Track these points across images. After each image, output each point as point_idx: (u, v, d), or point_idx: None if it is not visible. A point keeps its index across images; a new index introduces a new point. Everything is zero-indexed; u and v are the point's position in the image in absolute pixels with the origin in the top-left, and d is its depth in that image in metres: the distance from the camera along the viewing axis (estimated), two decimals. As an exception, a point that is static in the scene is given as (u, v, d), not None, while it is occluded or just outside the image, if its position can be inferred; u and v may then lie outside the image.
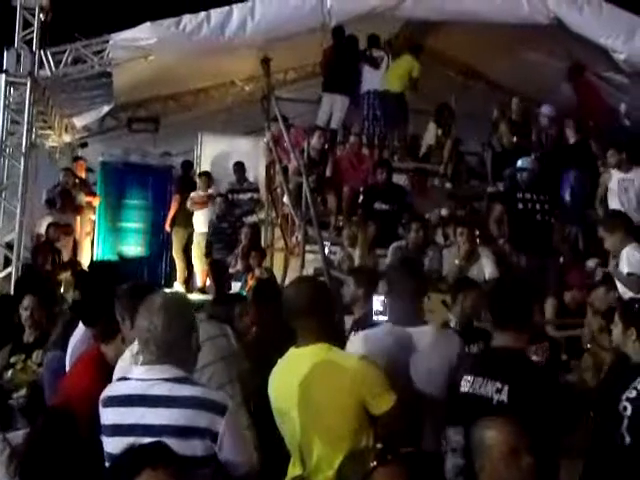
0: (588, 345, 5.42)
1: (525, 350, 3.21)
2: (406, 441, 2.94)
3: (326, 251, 8.01)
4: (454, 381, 3.20)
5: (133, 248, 11.71)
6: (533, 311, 3.26)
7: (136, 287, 3.65)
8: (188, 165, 11.72)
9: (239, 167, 11.08)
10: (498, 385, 2.92)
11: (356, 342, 3.34)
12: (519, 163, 7.98)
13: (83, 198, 11.09)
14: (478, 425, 2.52)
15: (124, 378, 2.82)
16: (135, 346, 3.31)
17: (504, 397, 2.88)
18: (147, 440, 2.49)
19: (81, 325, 4.30)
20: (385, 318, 4.65)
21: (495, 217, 8.07)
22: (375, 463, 2.37)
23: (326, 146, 9.90)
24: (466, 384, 3.07)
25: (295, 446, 3.05)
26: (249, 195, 10.99)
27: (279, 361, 3.20)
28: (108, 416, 2.74)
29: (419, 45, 11.28)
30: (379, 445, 2.51)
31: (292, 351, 3.15)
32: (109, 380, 3.27)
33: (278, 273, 8.92)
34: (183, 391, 2.62)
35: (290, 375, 3.06)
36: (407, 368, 3.25)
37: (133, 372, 2.81)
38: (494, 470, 2.46)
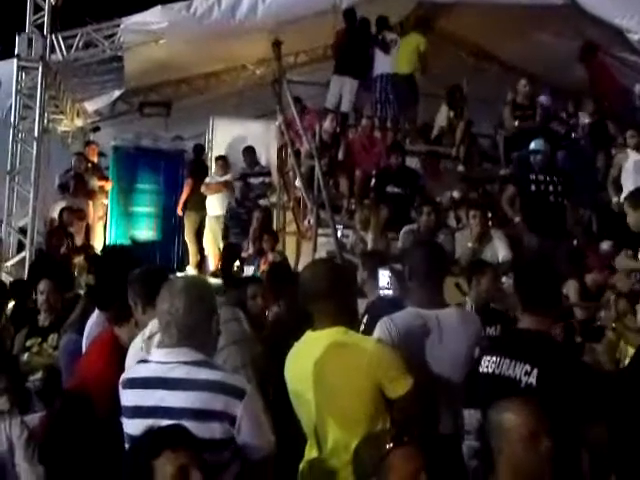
0: (613, 325, 5.42)
1: (552, 333, 3.18)
2: (424, 424, 2.92)
3: (339, 234, 8.03)
4: (473, 362, 3.19)
5: (145, 232, 11.73)
6: (561, 293, 3.21)
7: (148, 272, 3.64)
8: (200, 149, 11.70)
9: (249, 151, 11.03)
10: (527, 367, 2.89)
11: (383, 326, 3.31)
12: (532, 145, 7.94)
13: (95, 182, 11.10)
14: (496, 407, 2.51)
15: (144, 360, 2.83)
16: (147, 331, 3.33)
17: (533, 380, 2.86)
18: (166, 422, 2.50)
19: (97, 309, 4.33)
20: (390, 292, 4.69)
21: (508, 197, 8.03)
22: (391, 445, 2.38)
23: (338, 129, 9.86)
24: (490, 365, 3.04)
25: (311, 429, 3.05)
26: (261, 179, 10.96)
27: (295, 344, 3.19)
28: (128, 398, 2.76)
29: (426, 20, 11.16)
30: (395, 428, 2.51)
31: (308, 334, 3.14)
32: (123, 363, 3.30)
33: (290, 257, 8.93)
34: (201, 374, 2.63)
35: (306, 358, 3.05)
36: (433, 350, 3.22)
37: (153, 355, 2.82)
38: (512, 453, 2.45)
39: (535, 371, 2.87)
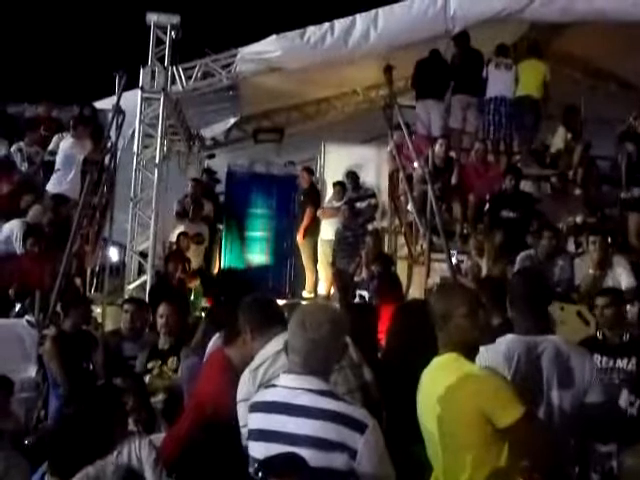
0: None
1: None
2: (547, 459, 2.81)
3: (453, 260, 7.92)
4: (580, 395, 3.07)
5: (258, 256, 11.94)
6: None
7: (259, 301, 3.71)
8: (311, 172, 11.72)
9: (352, 176, 11.05)
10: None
11: (480, 358, 3.25)
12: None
13: (211, 208, 11.42)
14: (630, 450, 2.41)
15: (272, 385, 2.87)
16: (255, 362, 3.37)
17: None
18: (288, 448, 2.54)
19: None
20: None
21: (636, 228, 7.64)
22: (523, 482, 2.31)
23: (450, 153, 9.77)
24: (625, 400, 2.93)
25: (435, 460, 2.99)
26: (367, 202, 10.96)
27: (424, 371, 3.12)
28: (254, 421, 2.81)
29: (536, 44, 10.94)
30: (524, 463, 2.42)
31: (433, 361, 3.08)
32: (234, 382, 3.35)
33: (402, 281, 8.86)
34: (325, 404, 2.64)
35: (426, 387, 3.02)
36: (534, 378, 3.16)
37: (280, 380, 2.84)
38: None
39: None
